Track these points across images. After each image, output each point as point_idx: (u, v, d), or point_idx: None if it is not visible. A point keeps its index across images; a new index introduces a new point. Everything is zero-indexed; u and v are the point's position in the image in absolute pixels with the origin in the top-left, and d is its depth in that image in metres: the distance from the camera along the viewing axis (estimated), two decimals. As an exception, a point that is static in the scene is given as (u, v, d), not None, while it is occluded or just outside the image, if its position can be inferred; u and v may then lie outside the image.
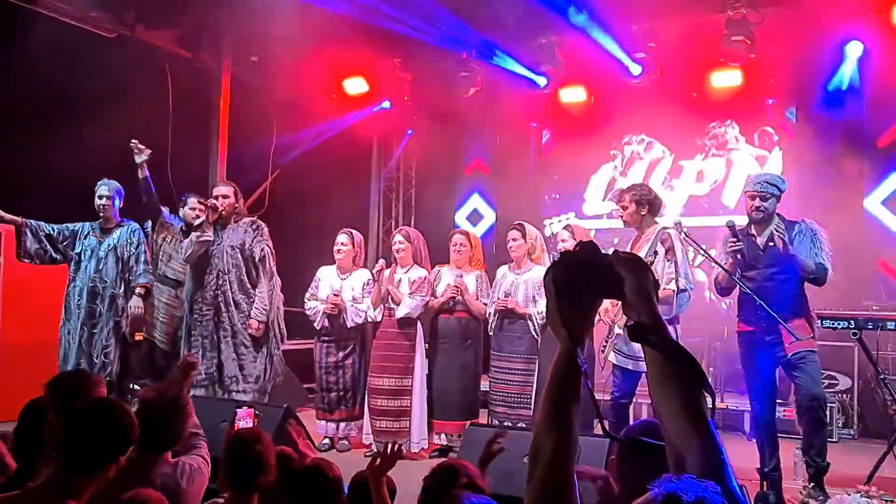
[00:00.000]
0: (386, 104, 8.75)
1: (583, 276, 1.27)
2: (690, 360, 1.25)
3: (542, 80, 7.94)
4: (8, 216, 5.22)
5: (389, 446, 2.61)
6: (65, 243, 5.44)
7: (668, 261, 4.48)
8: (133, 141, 5.43)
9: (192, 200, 5.69)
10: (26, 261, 5.38)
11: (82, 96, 5.94)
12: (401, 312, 5.56)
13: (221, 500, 2.54)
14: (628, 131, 8.75)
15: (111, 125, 5.55)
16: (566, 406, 1.28)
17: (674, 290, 4.43)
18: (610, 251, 1.34)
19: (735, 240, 4.38)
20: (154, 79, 6.82)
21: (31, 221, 5.34)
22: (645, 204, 4.71)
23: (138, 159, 5.44)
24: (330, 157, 8.51)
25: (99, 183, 5.49)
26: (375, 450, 5.32)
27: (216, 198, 5.38)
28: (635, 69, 7.40)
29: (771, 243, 4.40)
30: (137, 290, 5.38)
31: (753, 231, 4.51)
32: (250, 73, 7.67)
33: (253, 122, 7.78)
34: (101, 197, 5.44)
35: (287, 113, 8.14)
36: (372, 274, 5.73)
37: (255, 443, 2.54)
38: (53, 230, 5.42)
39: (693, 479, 1.11)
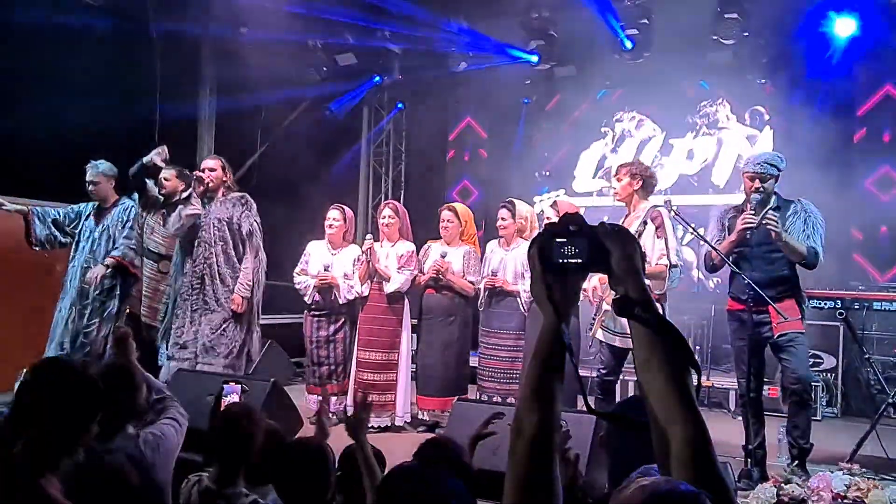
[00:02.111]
0: (376, 78, 8.69)
1: (568, 250, 1.24)
2: (677, 336, 1.22)
3: (534, 57, 7.88)
4: (13, 206, 5.16)
5: (360, 397, 2.60)
6: (71, 225, 5.39)
7: (658, 237, 4.46)
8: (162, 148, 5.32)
9: (164, 172, 5.58)
10: (37, 248, 5.33)
11: (68, 66, 5.82)
12: (390, 288, 5.53)
13: (206, 474, 2.53)
14: (619, 108, 8.71)
15: (98, 97, 5.44)
16: (549, 382, 1.26)
17: (666, 266, 4.41)
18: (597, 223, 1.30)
19: (753, 213, 4.31)
20: (141, 49, 6.70)
21: (37, 208, 5.30)
22: (639, 179, 4.64)
23: (146, 159, 5.31)
24: (319, 131, 8.42)
25: (87, 166, 5.39)
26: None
27: (203, 170, 5.30)
28: (627, 45, 7.34)
29: (764, 221, 4.37)
30: (107, 260, 5.25)
31: (748, 209, 4.47)
32: (238, 45, 7.55)
33: (241, 95, 7.67)
34: (88, 183, 5.37)
35: (276, 87, 8.04)
36: (361, 249, 5.70)
37: (244, 418, 2.54)
38: (59, 214, 5.36)
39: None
